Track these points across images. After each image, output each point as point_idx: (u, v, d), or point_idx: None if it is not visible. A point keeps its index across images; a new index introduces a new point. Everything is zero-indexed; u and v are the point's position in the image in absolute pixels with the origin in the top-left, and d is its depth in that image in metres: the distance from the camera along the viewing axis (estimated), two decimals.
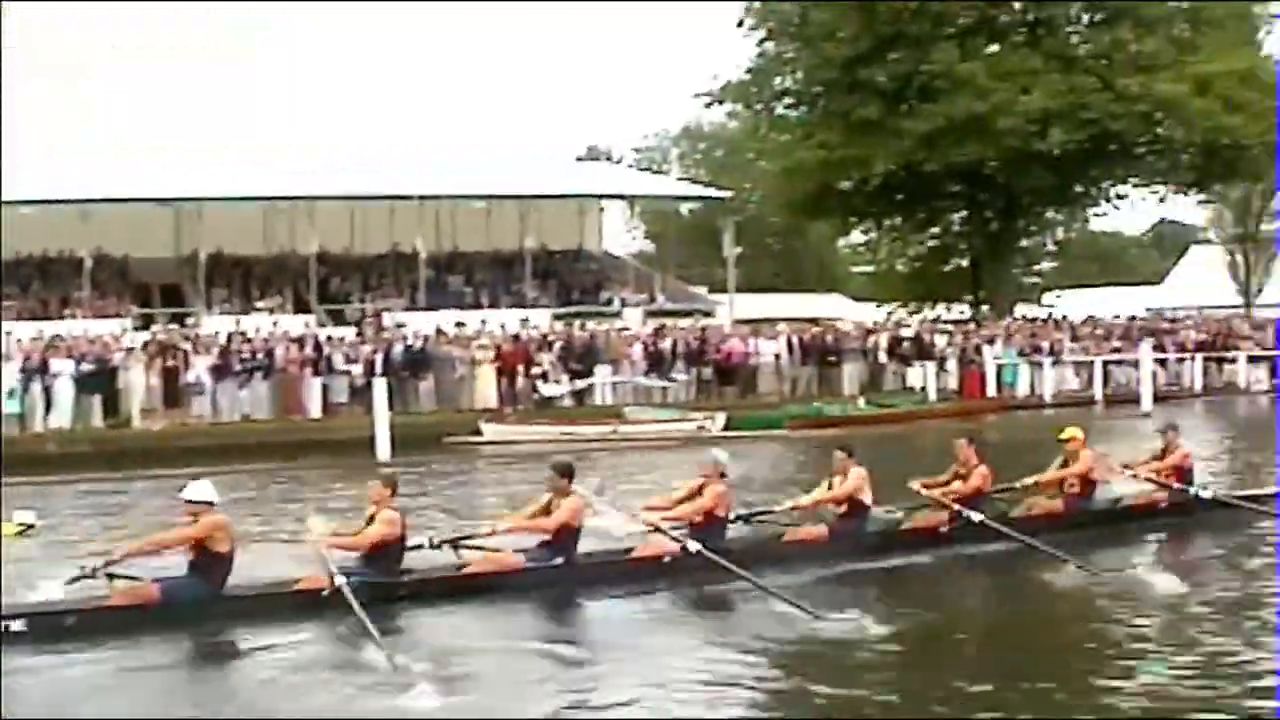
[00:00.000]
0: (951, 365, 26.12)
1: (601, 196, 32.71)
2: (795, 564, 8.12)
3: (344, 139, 31.91)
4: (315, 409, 20.50)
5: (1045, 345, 27.35)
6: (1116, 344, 28.37)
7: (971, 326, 29.07)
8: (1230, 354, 29.39)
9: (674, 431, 19.46)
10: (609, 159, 53.90)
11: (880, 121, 29.31)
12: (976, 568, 8.72)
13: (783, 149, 32.11)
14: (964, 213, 33.77)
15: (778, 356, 24.61)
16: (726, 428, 19.92)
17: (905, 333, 27.67)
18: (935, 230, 34.80)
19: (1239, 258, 39.72)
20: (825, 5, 29.59)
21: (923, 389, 25.12)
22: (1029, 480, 9.98)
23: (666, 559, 8.05)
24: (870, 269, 40.25)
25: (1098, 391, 26.41)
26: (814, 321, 28.39)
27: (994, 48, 30.22)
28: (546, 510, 8.10)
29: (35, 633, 6.79)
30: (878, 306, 35.84)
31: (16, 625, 6.92)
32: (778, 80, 31.89)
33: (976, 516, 9.11)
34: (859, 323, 29.42)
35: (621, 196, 34.55)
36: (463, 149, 38.96)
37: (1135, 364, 26.32)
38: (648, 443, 18.74)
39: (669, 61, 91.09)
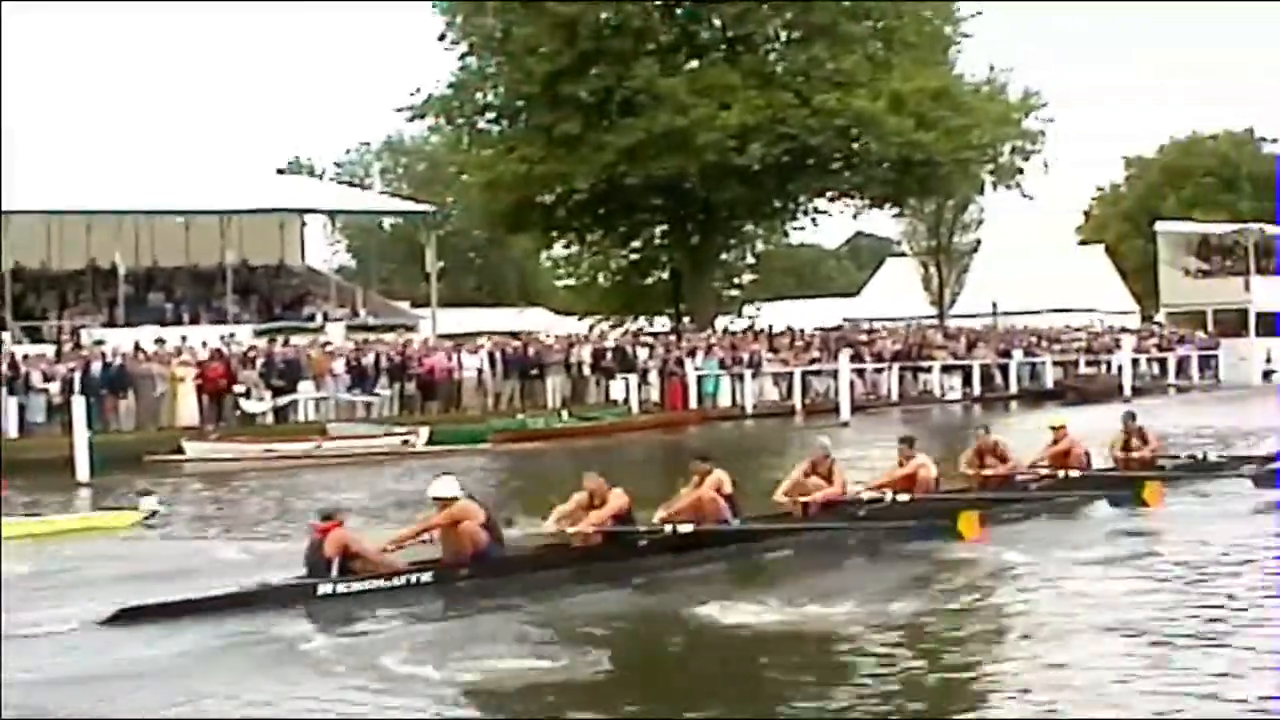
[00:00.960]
0: (654, 377, 30.93)
1: (303, 211, 36.02)
2: None
3: (37, 150, 33.95)
4: (12, 429, 22.43)
5: (746, 357, 32.66)
6: (815, 355, 34.38)
7: (673, 339, 34.25)
8: (925, 363, 36.41)
9: (378, 447, 22.69)
10: (310, 173, 58.47)
11: (582, 136, 34.08)
12: None
13: (485, 163, 36.32)
14: (665, 226, 39.43)
15: (480, 370, 28.55)
16: (430, 442, 23.16)
17: (607, 345, 32.20)
18: (637, 243, 40.26)
19: (932, 270, 47.61)
20: (527, 20, 34.00)
21: (625, 401, 29.71)
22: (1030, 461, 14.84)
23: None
24: (572, 282, 45.24)
25: (797, 401, 32.13)
26: (516, 335, 32.59)
27: (694, 64, 35.78)
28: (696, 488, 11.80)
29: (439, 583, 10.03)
30: (580, 319, 41.07)
31: (425, 577, 10.14)
32: (480, 94, 36.50)
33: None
34: (561, 336, 33.90)
35: (323, 211, 37.79)
36: (160, 161, 41.48)
37: (834, 374, 32.13)
38: (352, 459, 21.68)
39: (370, 75, 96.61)
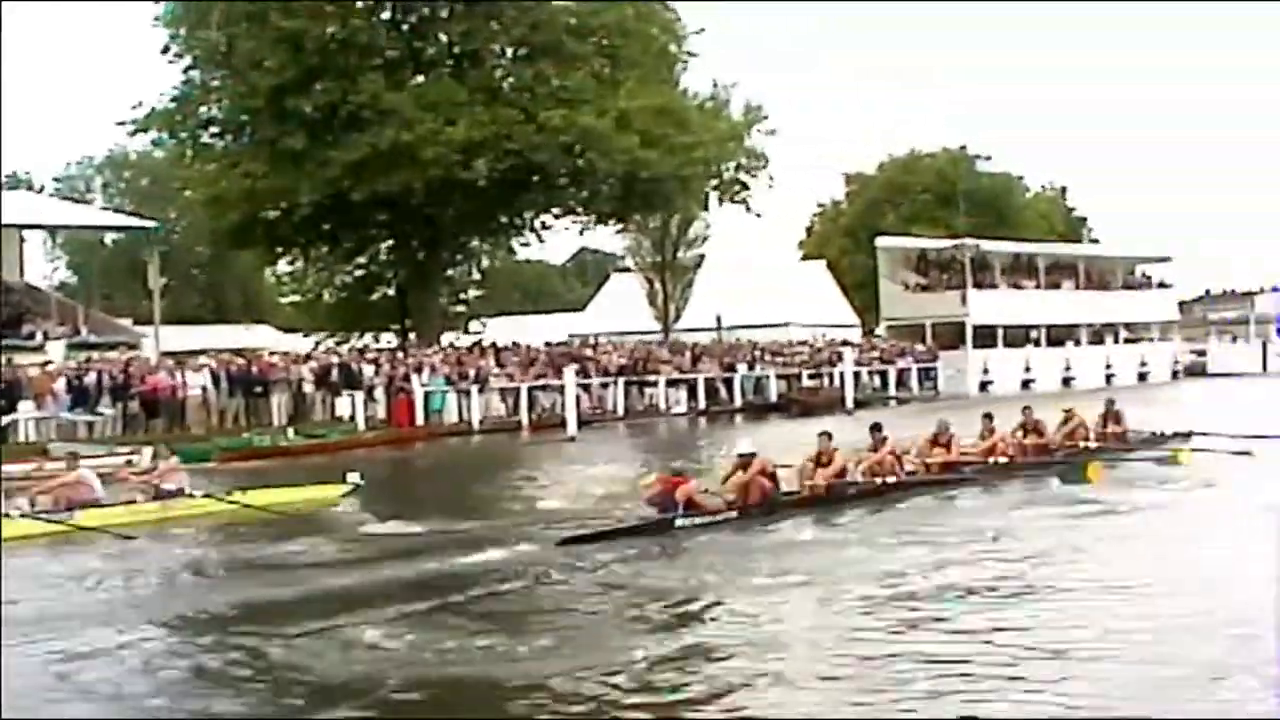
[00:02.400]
0: (380, 394, 32.80)
1: (21, 226, 36.92)
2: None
3: None
4: None
5: (472, 373, 34.59)
6: (541, 370, 36.42)
7: (399, 355, 36.20)
8: (651, 378, 39.15)
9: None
10: (29, 187, 58.36)
11: (307, 151, 36.07)
12: None
13: (209, 178, 38.18)
14: (391, 242, 41.80)
15: (205, 388, 30.22)
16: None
17: (333, 362, 34.13)
18: (362, 259, 42.63)
19: (657, 285, 51.65)
20: (251, 34, 35.88)
21: (352, 418, 31.68)
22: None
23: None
24: (298, 299, 47.37)
25: (524, 417, 34.11)
26: (241, 353, 34.34)
27: (420, 79, 38.22)
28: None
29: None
30: (305, 336, 43.11)
31: (682, 521, 15.13)
32: (204, 109, 38.29)
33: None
34: (286, 353, 35.71)
35: (42, 226, 39.15)
36: None
37: (560, 389, 34.13)
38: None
39: (92, 88, 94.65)
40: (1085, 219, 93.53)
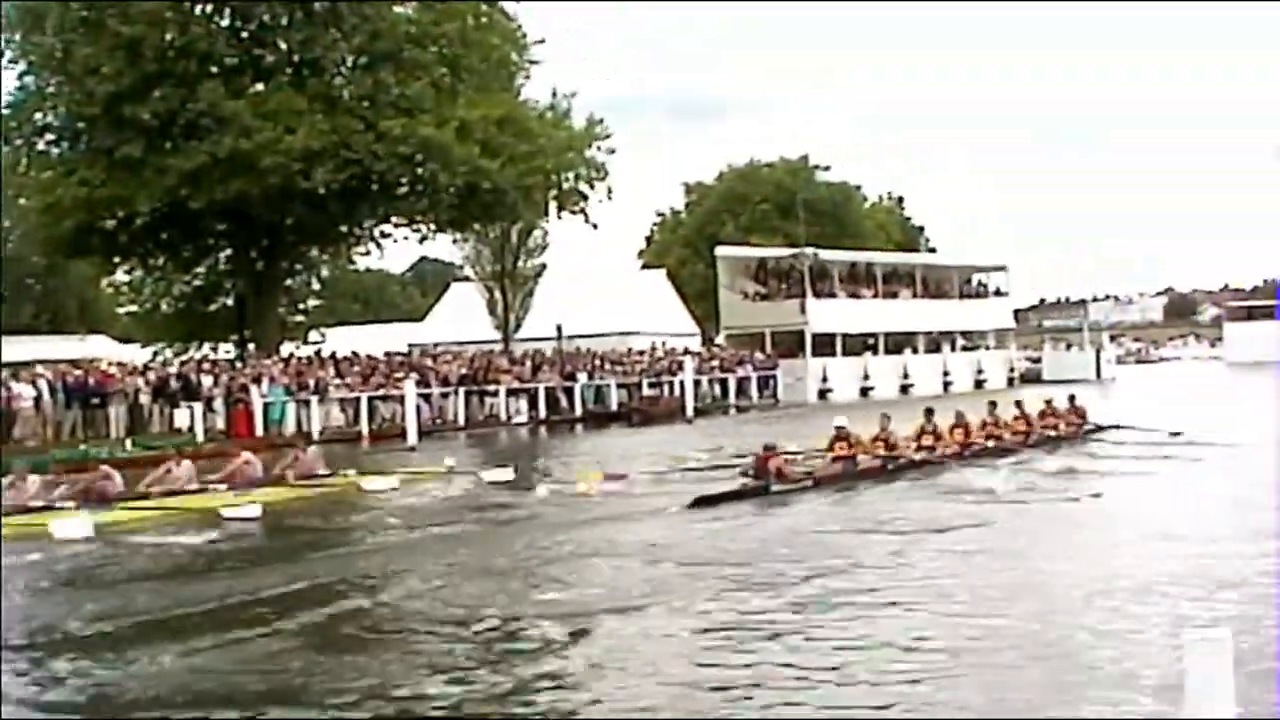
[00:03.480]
0: (219, 405, 33.80)
1: None
2: None
3: None
4: None
5: (312, 383, 35.76)
6: (381, 380, 37.62)
7: (238, 366, 37.37)
8: (491, 387, 40.32)
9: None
10: None
11: (144, 159, 37.01)
12: None
13: (44, 186, 38.76)
14: (230, 251, 42.77)
15: (39, 399, 31.18)
16: None
17: (171, 373, 35.23)
18: (201, 269, 43.57)
19: (497, 294, 53.28)
20: (88, 40, 36.68)
21: (190, 429, 32.61)
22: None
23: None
24: (135, 309, 48.11)
25: (364, 427, 35.24)
26: (77, 363, 35.22)
27: (260, 87, 39.30)
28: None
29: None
30: (143, 347, 43.78)
31: (776, 487, 19.78)
32: (39, 115, 38.90)
33: None
34: (124, 364, 36.60)
35: None
36: None
37: (400, 399, 35.41)
38: None
39: None
40: (923, 228, 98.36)
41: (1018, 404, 27.80)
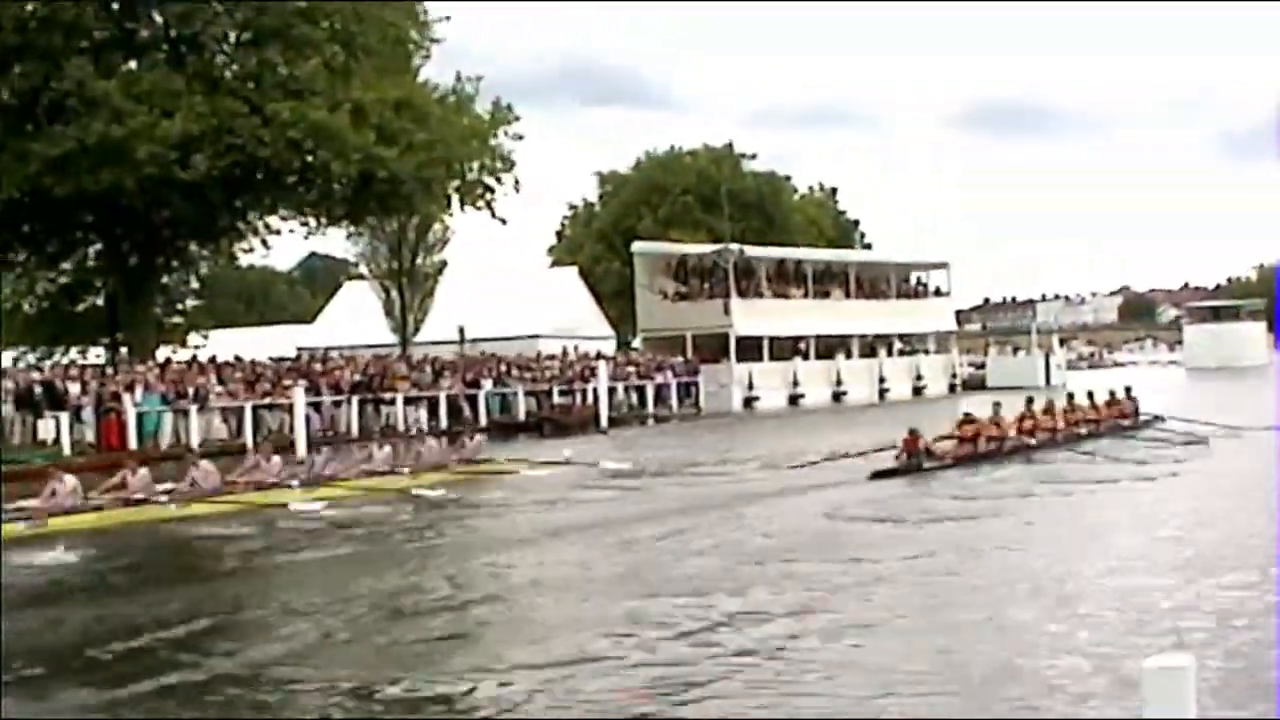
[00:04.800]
0: (88, 415, 33.50)
1: None
2: None
3: None
4: None
5: (191, 390, 35.57)
6: (267, 387, 37.57)
7: (109, 372, 36.92)
8: (388, 395, 40.47)
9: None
10: None
11: (3, 143, 36.48)
12: None
13: None
14: (99, 246, 42.44)
15: None
16: None
17: (35, 380, 34.92)
18: (67, 265, 43.31)
19: (394, 294, 53.91)
20: None
21: (56, 441, 32.42)
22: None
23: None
24: None
25: (249, 438, 34.60)
26: None
27: (133, 65, 39.18)
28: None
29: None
30: (3, 352, 43.16)
31: (929, 464, 25.90)
32: None
33: None
34: None
35: None
36: None
37: (288, 408, 35.59)
38: None
39: None
40: (857, 222, 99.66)
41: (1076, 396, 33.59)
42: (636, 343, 61.62)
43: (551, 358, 51.25)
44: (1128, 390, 35.81)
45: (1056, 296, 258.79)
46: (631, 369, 52.66)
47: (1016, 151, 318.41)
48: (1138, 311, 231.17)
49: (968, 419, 28.33)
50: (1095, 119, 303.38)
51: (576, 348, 54.59)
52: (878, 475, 24.93)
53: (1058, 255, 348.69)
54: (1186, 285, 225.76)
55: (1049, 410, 31.54)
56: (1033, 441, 29.59)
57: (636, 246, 62.61)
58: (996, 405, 29.88)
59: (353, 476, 25.11)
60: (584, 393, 47.80)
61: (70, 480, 21.34)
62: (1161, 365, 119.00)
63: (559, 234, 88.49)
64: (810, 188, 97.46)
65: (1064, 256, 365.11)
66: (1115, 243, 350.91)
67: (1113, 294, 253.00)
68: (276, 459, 24.92)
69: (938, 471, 25.72)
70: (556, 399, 46.86)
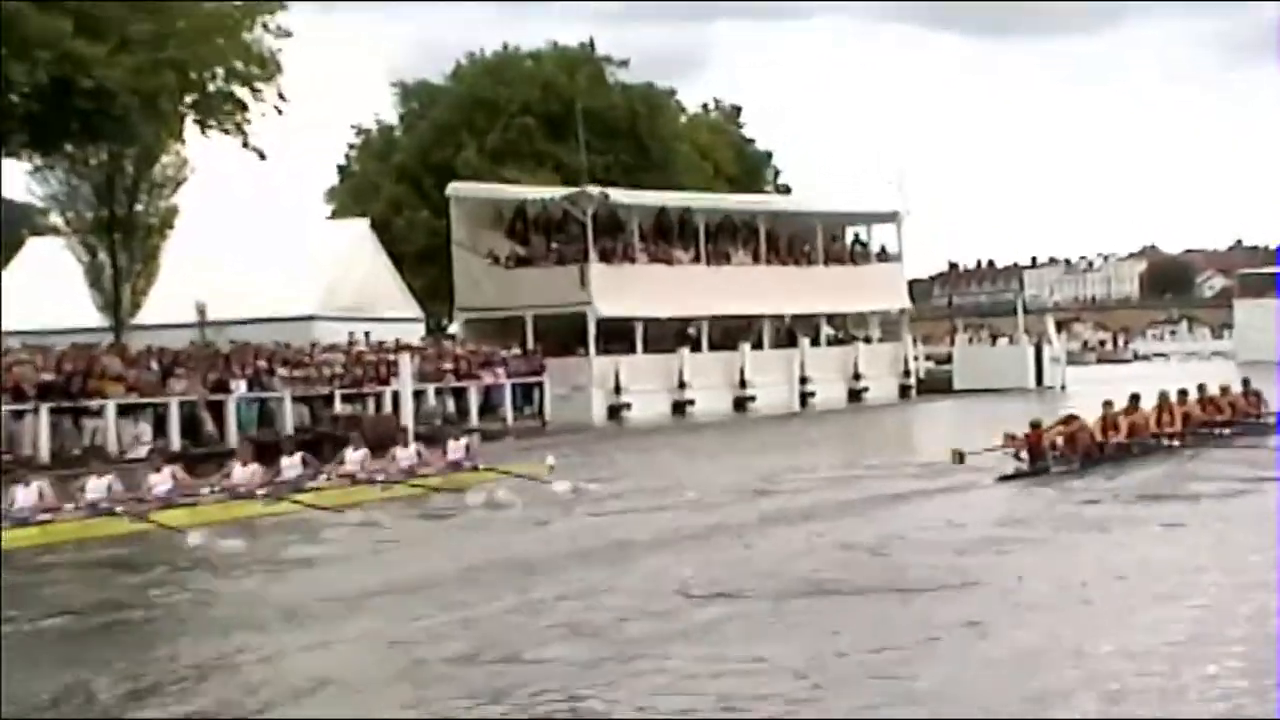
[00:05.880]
0: None
1: None
2: None
3: None
4: None
5: None
6: None
7: None
8: (95, 403, 40.26)
9: None
10: None
11: None
12: None
13: None
14: None
15: None
16: None
17: None
18: None
19: (103, 255, 52.12)
20: None
21: None
22: None
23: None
24: None
25: None
26: None
27: None
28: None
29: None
30: None
31: (1057, 468, 31.85)
32: None
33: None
34: None
35: None
36: None
37: None
38: None
39: None
40: (770, 155, 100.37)
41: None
42: (454, 328, 62.03)
43: (332, 349, 51.47)
44: (1245, 382, 41.40)
45: (1052, 260, 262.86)
46: (448, 365, 53.27)
47: (997, 55, 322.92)
48: (1169, 281, 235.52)
49: (1108, 410, 34.61)
50: (1107, 6, 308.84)
51: (368, 335, 55.16)
52: (1006, 479, 30.93)
53: (1054, 203, 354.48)
54: (1239, 244, 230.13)
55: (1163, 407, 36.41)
56: (1175, 442, 35.40)
57: (454, 189, 63.02)
58: (1108, 404, 35.16)
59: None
60: (378, 399, 48.45)
61: None
62: (1203, 358, 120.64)
63: (343, 171, 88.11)
64: (704, 106, 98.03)
65: (1064, 204, 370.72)
66: (1136, 186, 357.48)
67: (1133, 257, 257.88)
68: None
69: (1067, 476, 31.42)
70: (339, 408, 47.31)
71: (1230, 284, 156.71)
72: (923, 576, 19.85)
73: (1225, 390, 40.06)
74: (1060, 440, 32.64)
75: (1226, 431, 37.47)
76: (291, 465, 30.51)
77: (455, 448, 33.89)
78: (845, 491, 30.42)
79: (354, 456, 31.89)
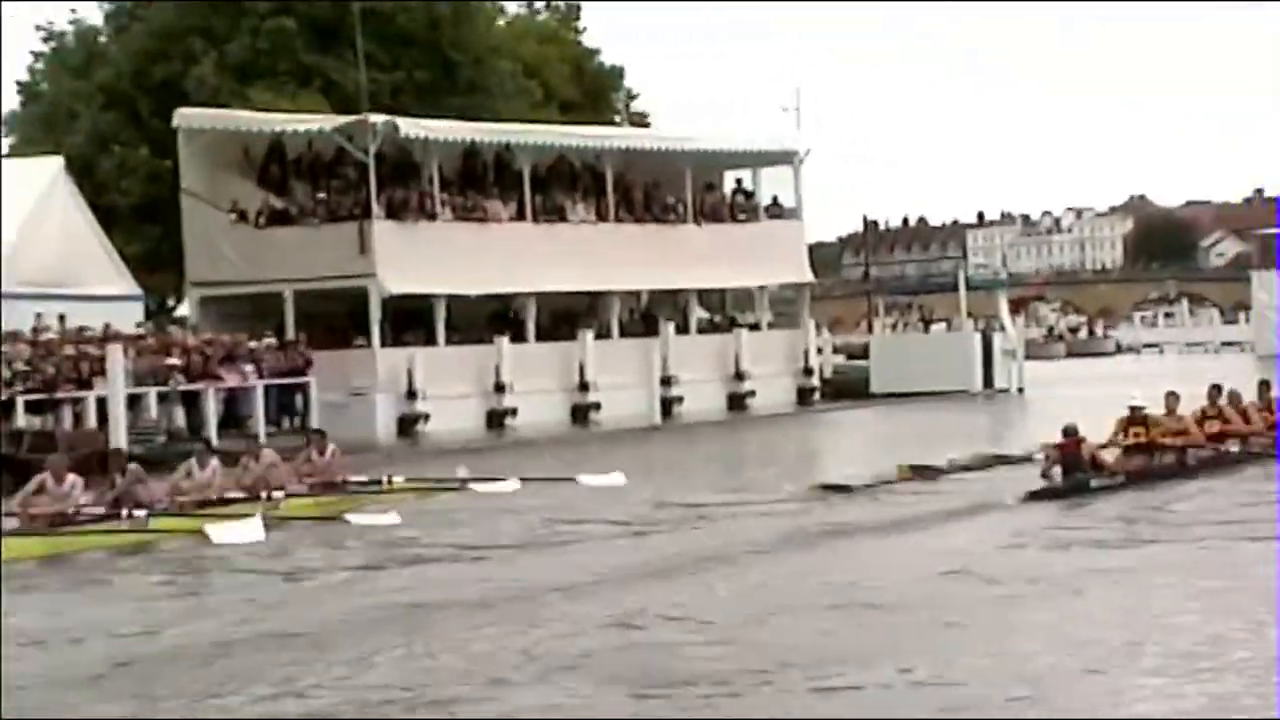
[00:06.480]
0: None
1: None
2: None
3: None
4: None
5: None
6: None
7: None
8: None
9: None
10: None
11: None
12: None
13: None
14: None
15: None
16: None
17: None
18: None
19: None
20: None
21: None
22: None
23: None
24: None
25: None
26: None
27: None
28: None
29: None
30: None
31: (1096, 482, 35.64)
32: None
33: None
34: None
35: None
36: None
37: None
38: None
39: None
40: (622, 73, 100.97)
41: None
42: (185, 308, 61.99)
43: (12, 338, 51.39)
44: (1264, 385, 43.93)
45: (1006, 218, 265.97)
46: (175, 361, 53.24)
47: None
48: (1163, 246, 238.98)
49: (1135, 417, 37.64)
50: None
51: (63, 318, 54.98)
52: (1034, 496, 34.24)
53: (1009, 141, 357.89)
54: (1258, 194, 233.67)
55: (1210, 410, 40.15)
56: (1235, 449, 39.42)
57: (183, 117, 62.97)
58: (1174, 396, 39.22)
59: None
60: (78, 408, 48.84)
61: None
62: (1210, 351, 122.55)
63: (25, 90, 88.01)
64: (531, 5, 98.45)
65: (1021, 143, 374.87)
66: (1118, 118, 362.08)
67: (1115, 212, 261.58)
68: None
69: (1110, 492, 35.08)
70: (22, 419, 47.64)
71: (1246, 250, 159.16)
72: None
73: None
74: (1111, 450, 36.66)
75: None
76: None
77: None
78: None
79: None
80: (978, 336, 78.27)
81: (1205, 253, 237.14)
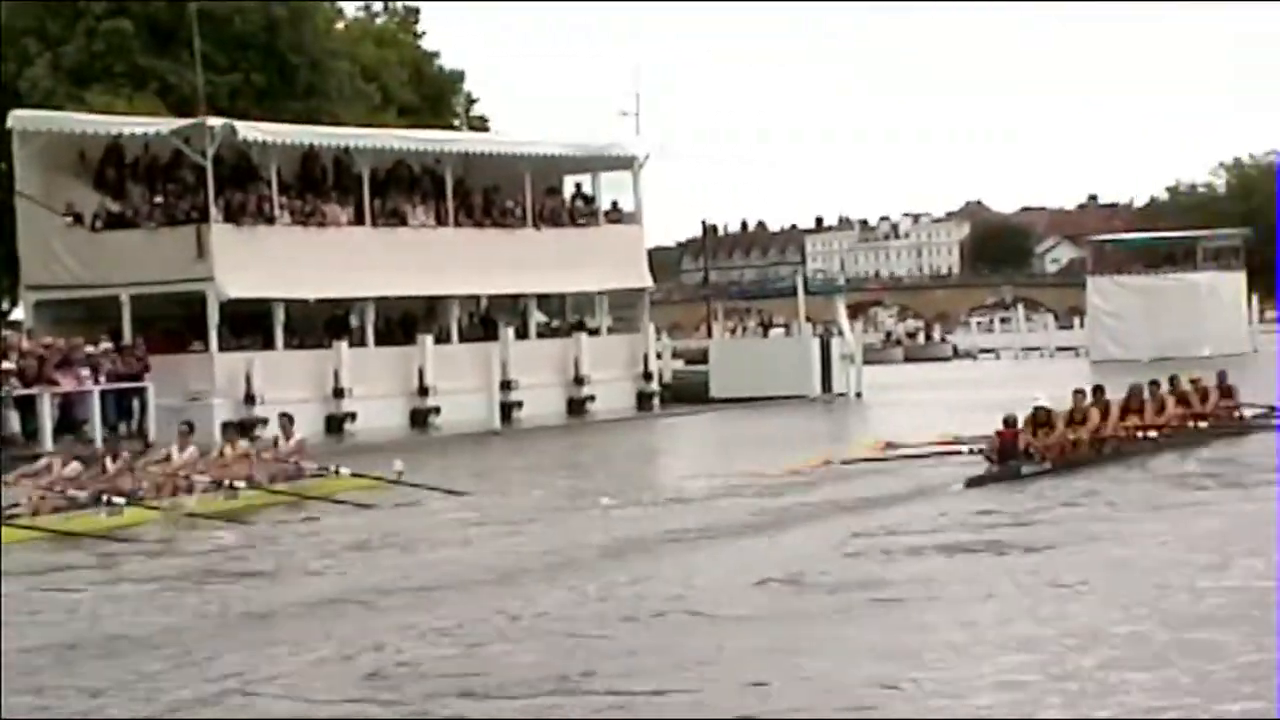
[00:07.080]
0: None
1: None
2: None
3: None
4: None
5: None
6: None
7: None
8: None
9: None
10: None
11: None
12: None
13: None
14: None
15: None
16: None
17: None
18: None
19: None
20: None
21: None
22: None
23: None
24: None
25: None
26: None
27: None
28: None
29: None
30: None
31: (1027, 469, 39.25)
32: None
33: None
34: None
35: None
36: None
37: None
38: None
39: None
40: (461, 76, 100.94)
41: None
42: (19, 313, 61.50)
43: None
44: (1221, 376, 49.13)
45: (844, 223, 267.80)
46: (8, 365, 52.96)
47: None
48: (999, 251, 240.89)
49: (1040, 418, 40.24)
50: None
51: None
52: (974, 483, 37.00)
53: (845, 145, 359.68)
54: (1091, 201, 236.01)
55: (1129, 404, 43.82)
56: (1154, 434, 42.88)
57: (17, 119, 62.56)
58: (1080, 394, 42.51)
59: None
60: None
61: None
62: (1045, 356, 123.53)
63: None
64: (368, 8, 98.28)
65: (857, 147, 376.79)
66: (955, 121, 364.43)
67: (951, 217, 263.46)
68: None
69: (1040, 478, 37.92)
70: None
71: (1080, 255, 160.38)
72: None
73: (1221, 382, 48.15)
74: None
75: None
76: None
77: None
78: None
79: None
80: (816, 341, 78.13)
81: (1040, 258, 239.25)
